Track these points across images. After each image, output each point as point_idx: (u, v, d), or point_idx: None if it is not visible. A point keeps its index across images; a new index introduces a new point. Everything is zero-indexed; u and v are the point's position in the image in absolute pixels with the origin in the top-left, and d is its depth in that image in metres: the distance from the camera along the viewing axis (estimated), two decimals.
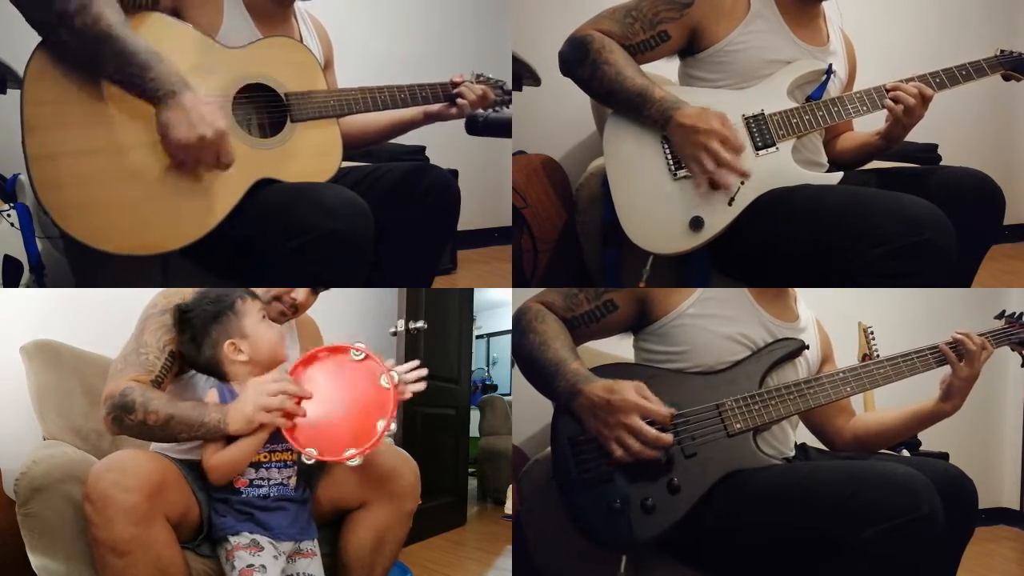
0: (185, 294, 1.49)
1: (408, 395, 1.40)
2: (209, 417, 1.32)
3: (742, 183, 1.57)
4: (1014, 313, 1.69)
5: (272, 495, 1.41)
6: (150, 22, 1.50)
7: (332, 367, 1.39)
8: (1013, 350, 1.68)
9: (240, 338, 1.41)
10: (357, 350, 1.38)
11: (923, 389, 1.62)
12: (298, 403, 1.35)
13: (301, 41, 1.73)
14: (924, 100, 1.62)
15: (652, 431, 1.34)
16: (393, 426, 1.35)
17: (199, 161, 1.46)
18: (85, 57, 1.40)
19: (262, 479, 1.41)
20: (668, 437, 1.34)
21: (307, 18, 1.82)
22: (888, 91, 1.64)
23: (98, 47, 1.38)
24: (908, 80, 1.65)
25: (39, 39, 1.41)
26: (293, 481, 1.44)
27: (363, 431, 1.34)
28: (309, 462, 1.35)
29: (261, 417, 1.32)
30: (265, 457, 1.41)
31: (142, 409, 1.30)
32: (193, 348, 1.41)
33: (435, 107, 1.83)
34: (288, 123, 1.62)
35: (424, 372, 1.43)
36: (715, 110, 1.58)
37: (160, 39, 1.46)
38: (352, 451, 1.32)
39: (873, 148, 1.80)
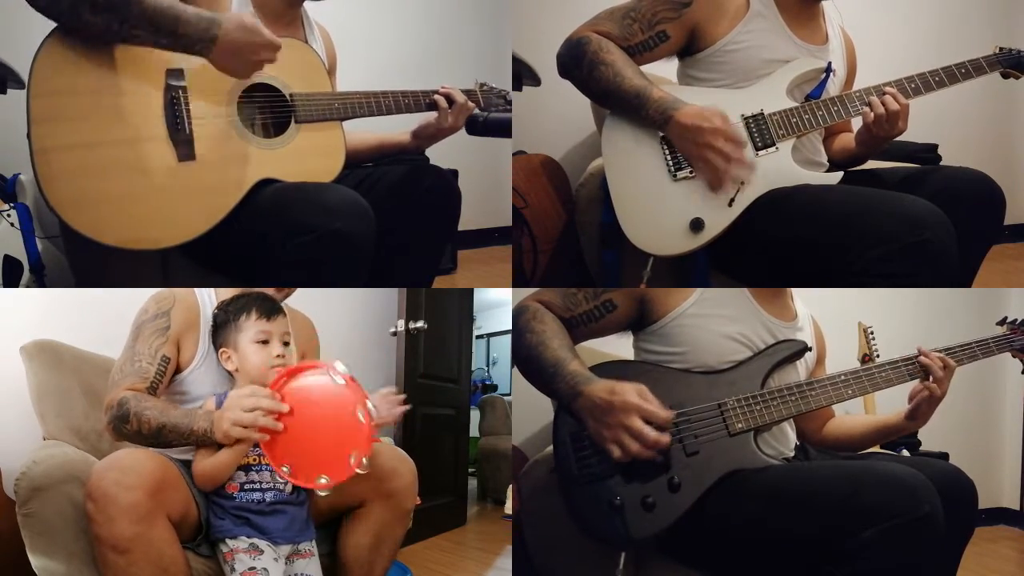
0: (177, 296, 1.49)
1: (388, 422, 1.40)
2: (197, 425, 1.35)
3: (742, 182, 1.57)
4: (1016, 319, 1.69)
5: (268, 499, 1.41)
6: None
7: (315, 384, 1.37)
8: (1014, 356, 1.67)
9: (233, 350, 1.45)
10: (339, 374, 1.35)
11: None
12: (277, 418, 1.34)
13: (307, 43, 1.73)
14: (890, 114, 1.61)
15: (652, 433, 1.33)
16: (365, 460, 1.33)
17: (269, 61, 1.53)
18: (112, 30, 1.39)
19: (253, 482, 1.41)
20: (667, 438, 1.34)
21: (313, 23, 1.82)
22: (884, 93, 1.63)
23: (127, 13, 1.37)
24: (908, 78, 1.65)
25: (39, 39, 1.41)
26: (289, 487, 1.44)
27: (336, 460, 1.33)
28: (282, 480, 1.36)
29: (236, 432, 1.33)
30: (255, 460, 1.41)
31: (136, 419, 1.34)
32: (213, 341, 1.49)
33: (420, 124, 1.83)
34: (292, 124, 1.62)
35: (405, 408, 1.43)
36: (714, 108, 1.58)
37: None
38: (325, 479, 1.32)
39: (849, 156, 1.81)
